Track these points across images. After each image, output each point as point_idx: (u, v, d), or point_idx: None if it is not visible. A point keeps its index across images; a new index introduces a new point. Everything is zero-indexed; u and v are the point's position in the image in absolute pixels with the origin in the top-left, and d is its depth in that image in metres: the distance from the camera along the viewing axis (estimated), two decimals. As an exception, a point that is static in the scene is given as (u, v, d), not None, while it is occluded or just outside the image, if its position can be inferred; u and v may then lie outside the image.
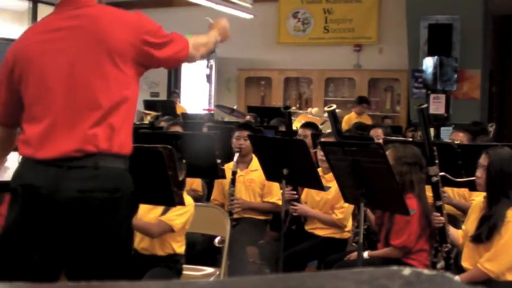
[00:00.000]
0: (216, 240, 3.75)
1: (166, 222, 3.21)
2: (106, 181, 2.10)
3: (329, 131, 4.64)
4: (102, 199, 2.08)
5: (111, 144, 2.10)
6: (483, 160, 3.07)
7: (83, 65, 2.11)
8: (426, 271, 0.55)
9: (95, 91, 2.10)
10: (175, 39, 2.37)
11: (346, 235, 4.13)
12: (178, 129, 4.99)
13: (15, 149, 2.27)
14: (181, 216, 3.23)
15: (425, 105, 3.33)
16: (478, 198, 3.30)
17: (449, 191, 4.02)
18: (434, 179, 3.24)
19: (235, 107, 9.32)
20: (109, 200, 2.10)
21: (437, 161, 3.22)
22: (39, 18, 11.18)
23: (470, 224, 3.12)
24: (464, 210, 3.87)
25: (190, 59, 2.48)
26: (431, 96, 8.71)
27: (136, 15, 2.29)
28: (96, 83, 2.11)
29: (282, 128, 5.55)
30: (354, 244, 3.98)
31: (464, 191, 4.14)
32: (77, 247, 2.09)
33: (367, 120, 8.44)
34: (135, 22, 2.24)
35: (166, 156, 2.78)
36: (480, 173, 3.07)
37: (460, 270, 3.09)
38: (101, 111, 2.09)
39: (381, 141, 4.47)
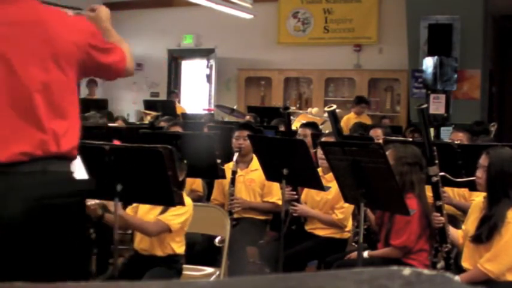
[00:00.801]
0: (216, 239, 3.75)
1: (164, 222, 3.21)
2: (55, 186, 2.00)
3: (328, 131, 4.64)
4: (53, 205, 1.97)
5: (59, 147, 2.01)
6: (483, 160, 3.06)
7: (26, 66, 2.00)
8: (426, 271, 0.55)
9: (38, 93, 2.00)
10: (115, 48, 2.28)
11: (346, 235, 4.13)
12: (178, 129, 4.99)
13: None
14: (179, 216, 3.23)
15: (425, 105, 3.33)
16: (478, 199, 3.30)
17: (449, 191, 4.02)
18: (434, 179, 3.24)
19: (235, 107, 9.32)
20: (60, 206, 1.99)
21: (437, 161, 3.22)
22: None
23: (470, 224, 3.12)
24: (464, 210, 3.87)
25: (127, 71, 2.34)
26: (431, 96, 8.71)
27: (80, 17, 2.24)
28: (40, 86, 2.01)
29: (283, 128, 5.55)
30: (354, 244, 3.98)
31: (464, 191, 4.14)
32: (31, 261, 1.95)
33: (367, 120, 8.43)
34: (80, 23, 2.19)
35: (166, 156, 2.78)
36: (480, 173, 3.07)
37: (460, 270, 3.09)
38: (45, 114, 1.99)
39: (380, 141, 4.46)
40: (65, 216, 2.02)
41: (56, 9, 2.21)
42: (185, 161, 3.44)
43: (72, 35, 2.11)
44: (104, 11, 2.41)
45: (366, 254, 3.48)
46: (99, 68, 2.24)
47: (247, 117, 7.53)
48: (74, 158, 2.10)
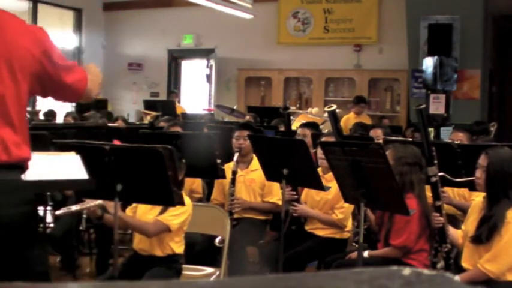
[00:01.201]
0: (217, 240, 3.75)
1: (163, 222, 3.21)
2: (3, 195, 1.94)
3: (326, 129, 4.64)
4: (6, 216, 1.91)
5: (10, 156, 1.96)
6: (482, 160, 3.06)
7: None
8: (426, 271, 0.55)
9: None
10: (76, 67, 2.19)
11: (346, 235, 4.13)
12: (177, 129, 4.99)
13: None
14: (178, 216, 3.22)
15: (423, 106, 3.33)
16: (477, 199, 3.30)
17: (450, 191, 4.02)
18: (434, 179, 3.24)
19: (235, 107, 9.32)
20: (7, 216, 1.93)
21: (436, 161, 3.22)
22: (39, 18, 11.20)
23: (470, 224, 3.12)
24: (464, 210, 3.87)
25: (87, 94, 2.22)
26: (431, 96, 8.71)
27: (38, 27, 2.13)
28: None
29: (283, 128, 5.55)
30: (354, 244, 3.98)
31: (464, 191, 4.14)
32: None
33: (367, 120, 8.43)
34: (38, 33, 2.08)
35: (166, 156, 2.78)
36: (479, 174, 3.06)
37: (460, 270, 3.09)
38: None
39: (380, 141, 4.46)
40: (13, 227, 1.95)
41: (13, 15, 2.10)
42: (184, 160, 3.44)
43: (29, 43, 2.02)
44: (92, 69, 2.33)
45: (365, 254, 3.48)
46: (55, 84, 2.12)
47: (247, 117, 7.53)
48: (26, 168, 2.03)
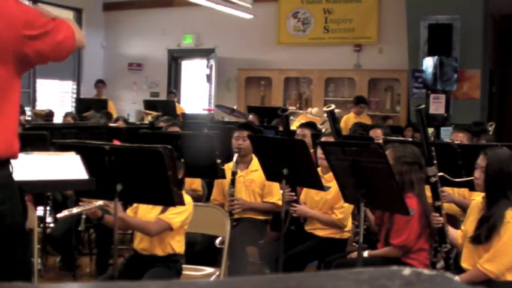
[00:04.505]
0: (217, 241, 3.75)
1: (165, 220, 3.21)
2: None
3: (325, 129, 4.64)
4: None
5: None
6: (481, 161, 3.06)
7: None
8: (426, 271, 0.55)
9: None
10: (58, 26, 2.09)
11: (346, 235, 4.13)
12: (176, 129, 4.98)
13: None
14: (179, 214, 3.23)
15: (422, 106, 3.33)
16: (478, 198, 3.30)
17: (450, 191, 4.01)
18: (433, 179, 3.24)
19: (235, 107, 9.32)
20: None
21: (435, 162, 3.22)
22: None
23: (469, 224, 3.12)
24: (465, 208, 3.87)
25: (78, 43, 2.17)
26: (431, 96, 8.70)
27: (12, 6, 2.01)
28: None
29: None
30: (354, 244, 3.98)
31: (465, 190, 4.14)
32: None
33: (367, 120, 8.43)
34: (12, 15, 1.98)
35: (166, 156, 2.78)
36: (478, 174, 3.06)
37: (459, 270, 3.09)
38: None
39: (380, 141, 4.46)
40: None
41: None
42: (182, 160, 3.44)
43: (4, 28, 1.95)
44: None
45: (365, 253, 3.48)
46: (40, 55, 2.06)
47: (251, 117, 7.52)
48: (13, 158, 1.98)
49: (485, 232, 2.95)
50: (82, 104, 9.20)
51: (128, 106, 12.01)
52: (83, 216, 3.11)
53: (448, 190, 3.86)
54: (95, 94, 10.70)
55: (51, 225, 5.13)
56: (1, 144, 1.95)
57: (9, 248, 1.97)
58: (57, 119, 8.19)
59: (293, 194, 4.00)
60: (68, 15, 12.15)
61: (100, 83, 10.72)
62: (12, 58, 1.97)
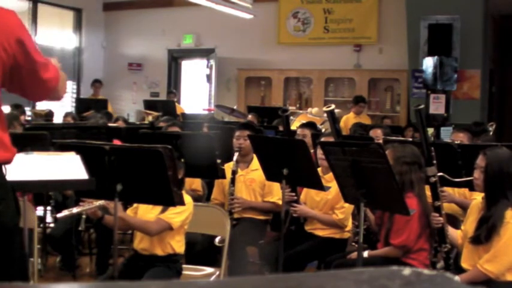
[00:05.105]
0: (217, 239, 3.75)
1: (165, 220, 3.21)
2: None
3: (325, 129, 4.64)
4: None
5: None
6: (480, 161, 3.06)
7: None
8: (426, 271, 0.55)
9: None
10: (50, 63, 2.03)
11: (346, 235, 4.12)
12: (176, 129, 4.98)
13: None
14: (180, 214, 3.23)
15: (422, 106, 3.33)
16: (479, 198, 3.30)
17: (450, 191, 4.01)
18: (433, 179, 3.24)
19: (235, 107, 9.32)
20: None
21: (435, 162, 3.22)
22: (39, 18, 11.20)
23: (469, 224, 3.12)
24: (466, 208, 3.87)
25: (57, 93, 2.08)
26: (431, 96, 8.70)
27: (8, 13, 1.94)
28: None
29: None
30: (354, 244, 3.98)
31: (465, 190, 4.14)
32: None
33: (367, 120, 8.43)
34: (12, 26, 1.93)
35: (166, 156, 2.78)
36: (478, 174, 3.06)
37: (459, 270, 3.09)
38: None
39: (380, 141, 4.46)
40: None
41: None
42: (182, 160, 3.44)
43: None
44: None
45: (365, 254, 3.48)
46: (29, 80, 1.97)
47: (250, 117, 7.53)
48: (4, 162, 1.96)
49: (485, 232, 2.95)
50: (82, 104, 9.21)
51: (127, 106, 12.01)
52: (83, 216, 3.11)
53: (448, 190, 3.86)
54: (92, 94, 10.71)
55: (51, 225, 5.13)
56: None
57: (5, 246, 1.98)
58: (57, 119, 8.19)
59: (293, 194, 4.00)
60: (68, 15, 12.16)
61: (97, 83, 10.74)
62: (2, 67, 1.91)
